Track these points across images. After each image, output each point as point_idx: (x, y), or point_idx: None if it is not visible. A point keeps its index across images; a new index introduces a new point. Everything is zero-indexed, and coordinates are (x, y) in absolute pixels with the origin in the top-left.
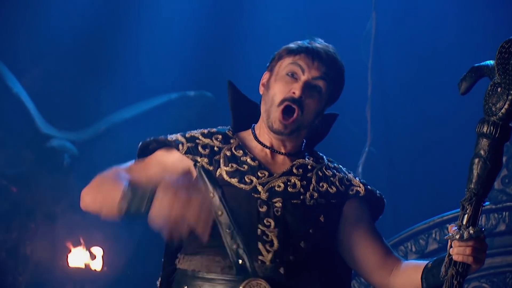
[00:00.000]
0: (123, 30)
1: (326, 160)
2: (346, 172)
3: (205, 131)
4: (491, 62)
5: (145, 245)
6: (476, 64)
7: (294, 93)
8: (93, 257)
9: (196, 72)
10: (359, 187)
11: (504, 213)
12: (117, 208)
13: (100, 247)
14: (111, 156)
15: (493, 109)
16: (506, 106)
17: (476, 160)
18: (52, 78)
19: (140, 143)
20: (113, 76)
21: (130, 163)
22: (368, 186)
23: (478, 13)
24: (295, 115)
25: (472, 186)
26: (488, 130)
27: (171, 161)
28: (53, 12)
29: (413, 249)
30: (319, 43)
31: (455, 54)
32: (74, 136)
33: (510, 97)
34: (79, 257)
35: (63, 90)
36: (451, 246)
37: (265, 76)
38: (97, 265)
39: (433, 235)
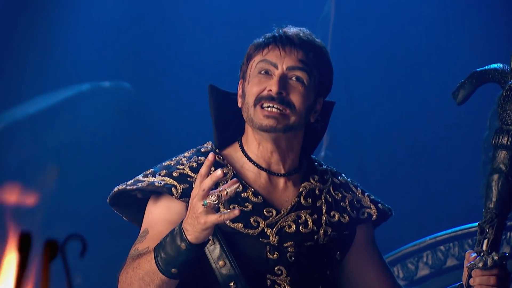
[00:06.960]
0: (30, 9)
1: (329, 174)
2: (353, 188)
3: (193, 163)
4: (499, 65)
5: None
6: (479, 69)
7: (270, 90)
8: None
9: (112, 60)
10: (371, 208)
11: (508, 233)
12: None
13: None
14: (11, 160)
15: None
16: None
17: (496, 176)
18: None
19: (116, 189)
20: (13, 63)
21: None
22: (379, 205)
23: None
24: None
25: (492, 206)
26: (508, 141)
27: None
28: None
29: (401, 275)
30: (288, 29)
31: (429, 42)
32: None
33: None
34: None
35: None
36: (470, 276)
37: (240, 85)
38: None
39: (424, 259)
